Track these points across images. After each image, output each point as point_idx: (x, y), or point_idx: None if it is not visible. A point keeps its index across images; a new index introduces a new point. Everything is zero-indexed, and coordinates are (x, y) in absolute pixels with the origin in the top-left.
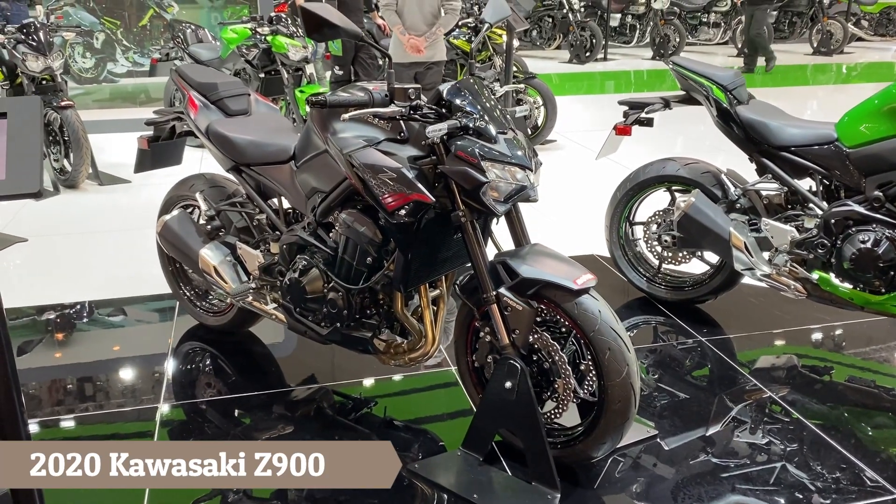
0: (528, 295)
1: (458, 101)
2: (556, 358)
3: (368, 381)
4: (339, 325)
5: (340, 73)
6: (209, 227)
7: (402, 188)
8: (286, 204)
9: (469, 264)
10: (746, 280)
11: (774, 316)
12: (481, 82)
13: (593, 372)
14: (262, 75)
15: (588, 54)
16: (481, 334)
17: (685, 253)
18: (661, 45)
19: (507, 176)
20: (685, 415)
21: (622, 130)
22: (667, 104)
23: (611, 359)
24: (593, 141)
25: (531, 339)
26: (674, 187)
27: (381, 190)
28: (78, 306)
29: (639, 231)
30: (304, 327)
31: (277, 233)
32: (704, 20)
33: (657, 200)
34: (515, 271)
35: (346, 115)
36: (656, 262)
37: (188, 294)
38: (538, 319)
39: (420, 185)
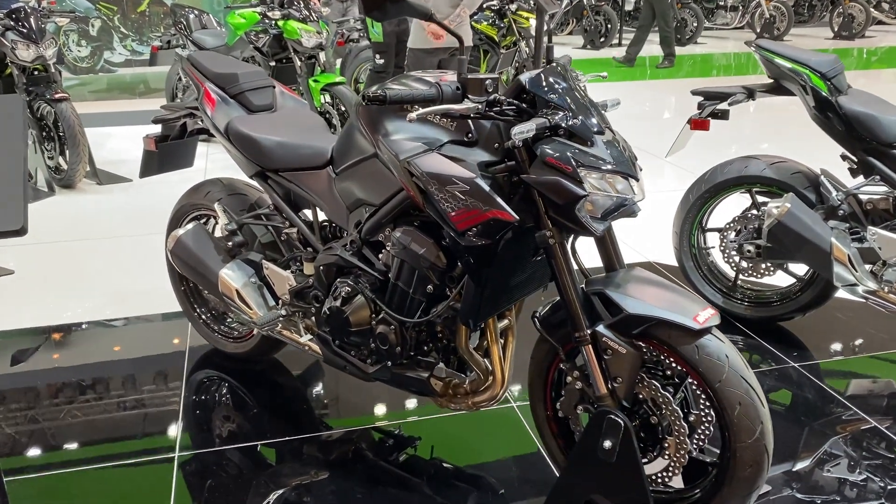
0: (634, 335)
1: (544, 94)
2: (668, 411)
3: (415, 419)
4: (389, 363)
5: (381, 61)
6: (230, 243)
7: (477, 203)
8: (321, 216)
9: (544, 287)
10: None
11: (869, 335)
12: (567, 70)
13: (707, 426)
14: (272, 64)
15: (603, 40)
16: (568, 379)
17: (769, 265)
18: (677, 30)
19: (607, 187)
20: (780, 451)
21: (698, 124)
22: (751, 94)
23: (741, 415)
24: (621, 131)
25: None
26: (755, 189)
27: (448, 205)
28: (77, 326)
29: (712, 239)
30: (344, 362)
31: (311, 250)
32: (721, 4)
33: (731, 205)
34: (618, 305)
35: (413, 115)
36: (732, 274)
37: (204, 317)
38: None
39: (500, 200)
